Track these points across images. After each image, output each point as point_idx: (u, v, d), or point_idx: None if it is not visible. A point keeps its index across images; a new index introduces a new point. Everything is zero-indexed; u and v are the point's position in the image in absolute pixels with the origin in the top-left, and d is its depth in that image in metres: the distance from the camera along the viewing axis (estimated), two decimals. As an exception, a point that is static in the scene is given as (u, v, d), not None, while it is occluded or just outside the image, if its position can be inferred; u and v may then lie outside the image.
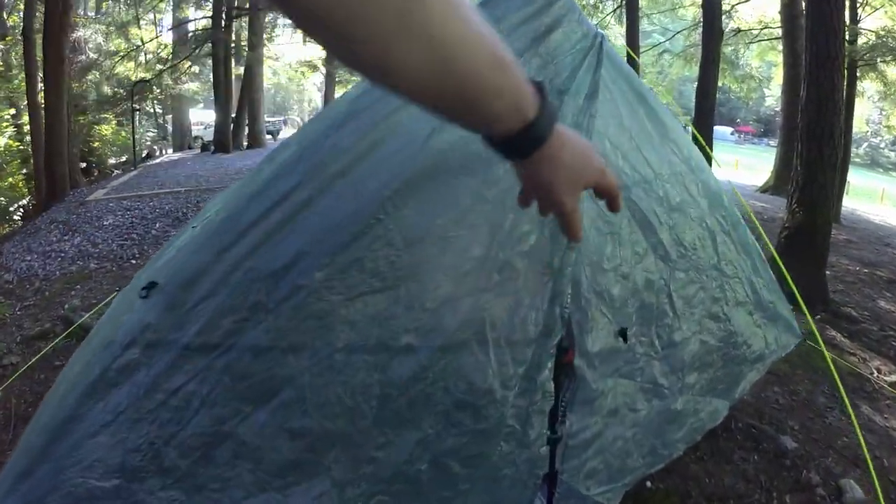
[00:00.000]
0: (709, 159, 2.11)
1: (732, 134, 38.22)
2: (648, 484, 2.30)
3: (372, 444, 1.02)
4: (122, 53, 17.13)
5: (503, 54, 0.49)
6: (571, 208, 0.64)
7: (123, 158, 19.16)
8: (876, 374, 3.87)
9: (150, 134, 23.96)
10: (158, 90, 17.87)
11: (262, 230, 1.01)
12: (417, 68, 0.45)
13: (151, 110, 22.90)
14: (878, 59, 10.92)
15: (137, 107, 17.70)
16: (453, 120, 0.53)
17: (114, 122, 19.09)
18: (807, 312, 2.78)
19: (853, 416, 2.50)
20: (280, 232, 0.99)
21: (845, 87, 5.37)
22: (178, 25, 19.21)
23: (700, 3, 10.69)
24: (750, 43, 14.11)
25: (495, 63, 0.49)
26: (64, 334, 3.70)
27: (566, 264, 1.28)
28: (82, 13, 18.40)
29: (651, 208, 1.57)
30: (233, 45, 16.47)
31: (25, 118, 13.24)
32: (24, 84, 12.18)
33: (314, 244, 0.97)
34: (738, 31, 13.47)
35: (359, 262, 0.97)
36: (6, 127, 15.96)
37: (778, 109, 22.86)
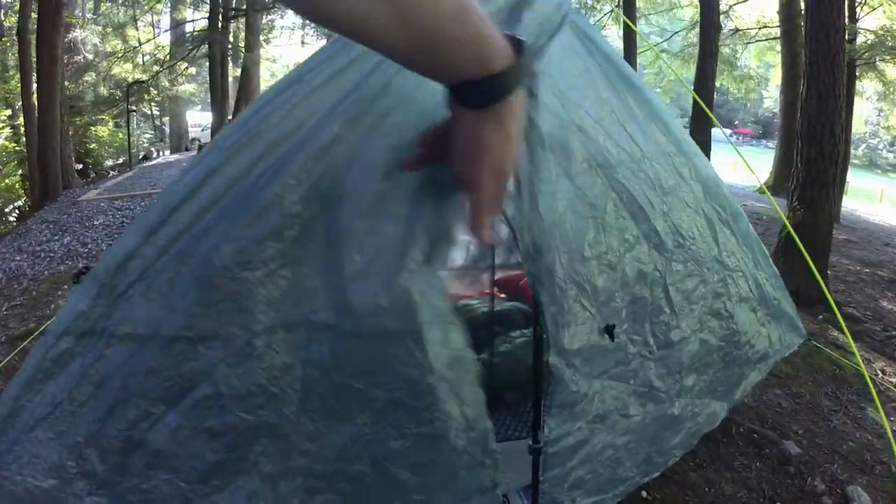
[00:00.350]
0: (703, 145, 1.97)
1: (731, 136, 38.24)
2: (644, 494, 2.19)
3: (301, 433, 0.89)
4: (119, 55, 17.03)
5: (467, 3, 0.49)
6: (488, 193, 0.59)
7: (121, 160, 19.07)
8: (880, 375, 3.77)
9: (148, 136, 23.85)
10: (155, 92, 17.79)
11: (193, 209, 0.91)
12: (375, 17, 0.45)
13: (148, 112, 22.81)
14: (877, 59, 10.85)
15: (134, 108, 17.60)
16: (410, 66, 0.53)
17: (111, 123, 19.00)
18: (837, 312, 2.64)
19: (886, 424, 2.39)
20: (211, 209, 0.89)
21: (844, 86, 5.28)
22: (176, 26, 19.11)
23: (697, 1, 10.61)
24: (748, 43, 14.05)
25: (457, 13, 0.48)
26: (39, 330, 3.62)
27: (542, 248, 1.16)
28: (80, 14, 18.31)
29: (641, 191, 1.44)
30: (230, 46, 16.37)
31: (21, 119, 13.15)
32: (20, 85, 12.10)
33: (234, 219, 0.86)
34: (737, 30, 13.41)
35: (276, 232, 0.84)
36: (2, 128, 15.89)
37: (776, 111, 22.81)
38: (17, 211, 15.05)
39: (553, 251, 1.22)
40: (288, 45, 21.41)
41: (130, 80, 17.06)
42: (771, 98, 33.23)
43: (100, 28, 16.88)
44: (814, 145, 4.92)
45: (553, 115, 1.29)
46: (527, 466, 1.32)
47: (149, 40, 19.29)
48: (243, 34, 17.71)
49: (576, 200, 1.30)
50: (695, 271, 1.59)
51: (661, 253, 1.48)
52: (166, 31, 20.19)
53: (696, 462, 2.48)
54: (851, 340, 2.56)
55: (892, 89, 12.59)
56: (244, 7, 15.73)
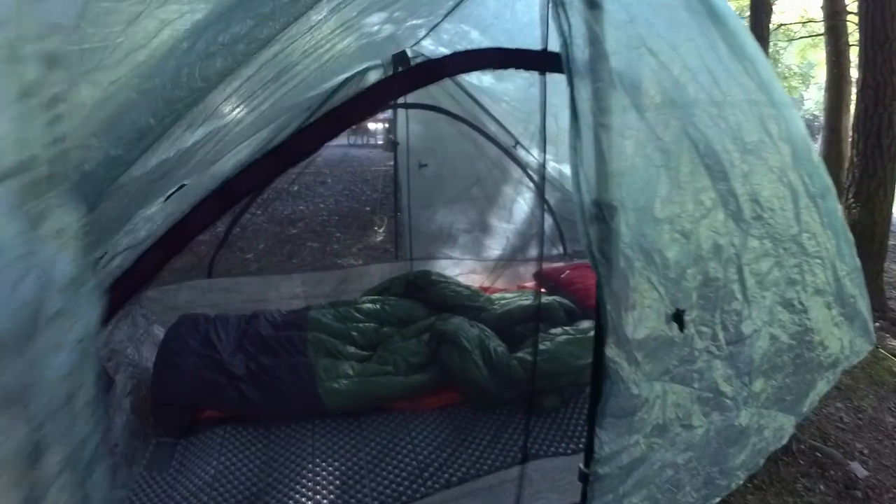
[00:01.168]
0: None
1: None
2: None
3: None
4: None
5: None
6: None
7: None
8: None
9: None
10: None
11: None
12: None
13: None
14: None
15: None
16: None
17: None
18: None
19: None
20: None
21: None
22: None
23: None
24: (791, 40, 13.46)
25: None
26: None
27: (605, 202, 0.89)
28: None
29: (721, 143, 1.15)
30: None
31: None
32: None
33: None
34: (780, 25, 12.86)
35: None
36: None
37: (816, 114, 21.91)
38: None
39: (619, 207, 0.94)
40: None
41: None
42: (811, 100, 32.14)
43: None
44: (870, 138, 4.58)
45: (617, 31, 1.00)
46: (569, 486, 1.07)
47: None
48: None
49: (646, 142, 1.00)
50: (770, 251, 1.30)
51: (738, 224, 1.19)
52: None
53: (755, 483, 2.19)
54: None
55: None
56: None
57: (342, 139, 16.12)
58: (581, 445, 1.97)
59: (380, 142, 14.71)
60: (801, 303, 1.49)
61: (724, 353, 1.20)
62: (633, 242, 0.98)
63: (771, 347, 1.41)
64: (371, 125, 16.26)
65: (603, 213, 0.92)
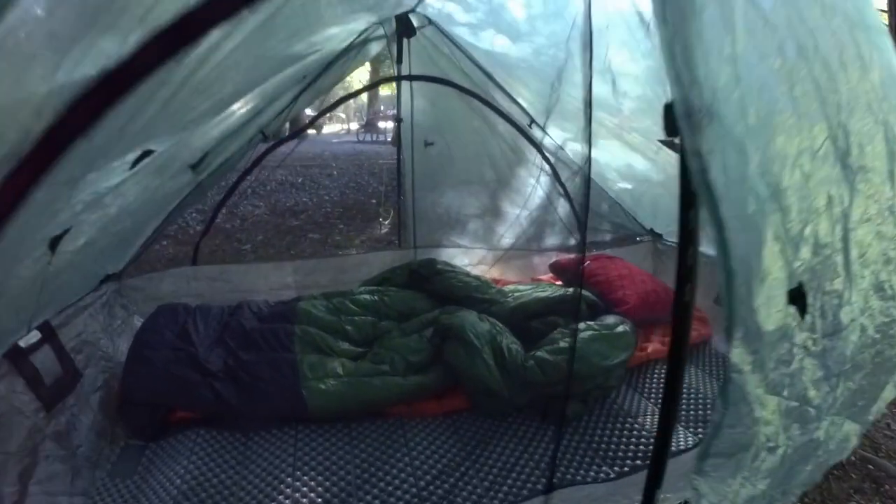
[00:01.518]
0: None
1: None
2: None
3: None
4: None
5: None
6: None
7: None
8: None
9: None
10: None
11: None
12: None
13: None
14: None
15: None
16: None
17: None
18: None
19: None
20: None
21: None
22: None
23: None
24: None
25: None
26: None
27: (713, 105, 0.54)
28: None
29: (830, 51, 0.83)
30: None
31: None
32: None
33: None
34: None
35: None
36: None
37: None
38: None
39: (737, 114, 0.58)
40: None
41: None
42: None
43: None
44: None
45: None
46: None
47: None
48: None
49: (755, 25, 0.65)
50: (873, 215, 0.98)
51: (846, 172, 0.86)
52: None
53: (805, 502, 1.90)
54: None
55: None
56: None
57: (350, 135, 15.92)
58: (616, 469, 1.68)
59: (389, 139, 14.54)
60: (892, 287, 1.19)
61: (818, 348, 0.89)
62: (761, 172, 0.63)
63: (859, 342, 1.12)
64: (381, 124, 16.07)
65: (707, 118, 0.54)
